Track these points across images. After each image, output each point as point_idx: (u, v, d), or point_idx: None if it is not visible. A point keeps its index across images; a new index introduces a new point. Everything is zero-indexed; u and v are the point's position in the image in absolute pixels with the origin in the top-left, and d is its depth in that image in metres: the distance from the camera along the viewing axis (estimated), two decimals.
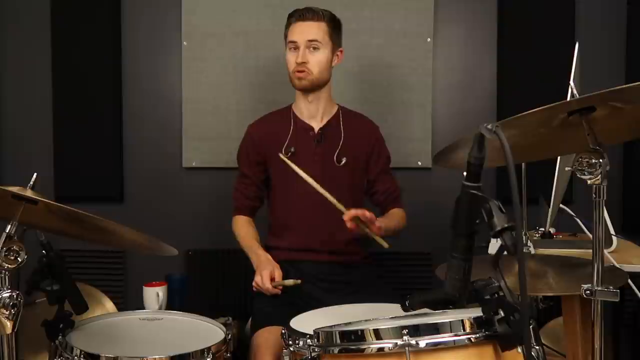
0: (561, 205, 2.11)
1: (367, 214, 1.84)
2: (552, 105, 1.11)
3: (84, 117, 2.77)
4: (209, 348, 1.42)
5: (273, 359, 1.72)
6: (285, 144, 2.09)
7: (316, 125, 2.12)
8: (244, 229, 2.13)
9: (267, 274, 1.88)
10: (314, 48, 2.01)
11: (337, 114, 2.15)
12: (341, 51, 2.11)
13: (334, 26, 2.07)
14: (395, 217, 2.13)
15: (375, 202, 2.22)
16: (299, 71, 2.02)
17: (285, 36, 2.08)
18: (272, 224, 2.18)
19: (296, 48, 2.02)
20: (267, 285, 1.86)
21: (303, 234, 2.09)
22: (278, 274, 1.89)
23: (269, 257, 1.98)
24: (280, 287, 1.88)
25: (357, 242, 2.16)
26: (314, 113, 2.12)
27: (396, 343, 1.11)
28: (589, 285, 1.22)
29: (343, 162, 2.10)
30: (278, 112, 2.20)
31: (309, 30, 2.01)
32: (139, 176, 2.82)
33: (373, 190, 2.20)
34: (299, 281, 1.88)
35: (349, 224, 1.83)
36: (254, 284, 1.91)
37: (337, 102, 2.19)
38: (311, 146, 2.10)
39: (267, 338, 1.79)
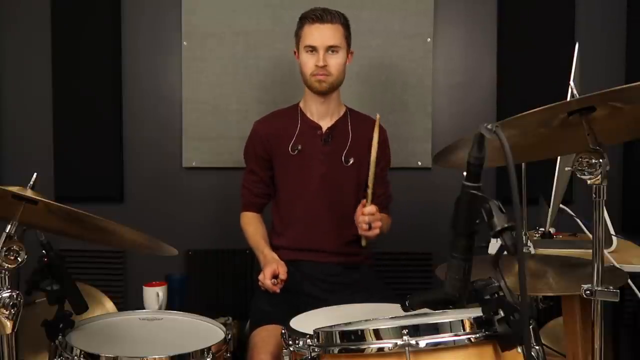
0: (561, 205, 2.11)
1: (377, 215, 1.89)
2: (552, 105, 1.11)
3: (84, 117, 2.77)
4: (209, 348, 1.42)
5: (270, 358, 1.72)
6: (292, 142, 2.08)
7: (324, 124, 2.10)
8: (252, 226, 2.13)
9: (269, 271, 1.89)
10: (333, 51, 1.99)
11: (345, 114, 2.14)
12: (352, 52, 2.09)
13: (348, 27, 2.04)
14: (386, 222, 2.12)
15: None
16: (319, 74, 1.99)
17: (298, 37, 2.03)
18: (274, 222, 2.18)
19: (314, 51, 1.99)
20: (267, 281, 1.87)
21: (304, 233, 2.08)
22: (282, 270, 1.90)
23: (275, 255, 1.99)
24: (279, 285, 1.88)
25: (358, 243, 2.16)
26: (323, 113, 2.10)
27: (396, 343, 1.11)
28: (589, 285, 1.22)
29: (351, 162, 2.09)
30: (285, 110, 2.19)
31: (328, 35, 1.97)
32: (139, 176, 2.82)
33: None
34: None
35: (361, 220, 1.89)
36: (259, 282, 1.93)
37: None
38: (318, 145, 2.09)
39: (264, 337, 1.79)
